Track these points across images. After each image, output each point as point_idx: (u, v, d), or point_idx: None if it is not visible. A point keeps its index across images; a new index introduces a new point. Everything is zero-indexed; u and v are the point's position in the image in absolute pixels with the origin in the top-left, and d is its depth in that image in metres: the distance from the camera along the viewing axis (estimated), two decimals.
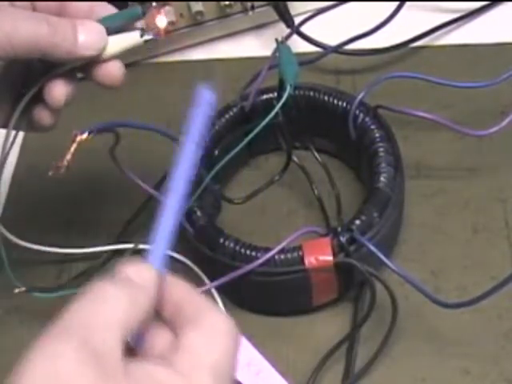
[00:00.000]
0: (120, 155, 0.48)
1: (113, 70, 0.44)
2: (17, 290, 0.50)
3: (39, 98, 0.44)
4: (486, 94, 0.56)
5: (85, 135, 0.44)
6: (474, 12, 0.66)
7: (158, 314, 0.31)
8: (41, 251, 0.54)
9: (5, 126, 0.44)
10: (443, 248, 0.54)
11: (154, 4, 0.46)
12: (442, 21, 0.65)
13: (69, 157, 0.43)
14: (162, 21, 0.46)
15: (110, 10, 0.44)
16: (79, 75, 0.45)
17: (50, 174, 0.44)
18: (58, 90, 0.43)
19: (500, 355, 0.49)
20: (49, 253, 0.55)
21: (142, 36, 0.45)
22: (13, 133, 0.44)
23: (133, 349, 0.31)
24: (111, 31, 0.44)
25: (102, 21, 0.44)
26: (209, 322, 0.31)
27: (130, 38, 0.45)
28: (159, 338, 0.31)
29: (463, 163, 0.57)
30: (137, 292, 0.30)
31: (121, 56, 0.44)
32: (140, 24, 0.45)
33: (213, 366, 0.30)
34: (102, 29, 0.43)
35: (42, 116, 0.44)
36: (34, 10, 0.43)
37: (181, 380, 0.29)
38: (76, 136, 0.44)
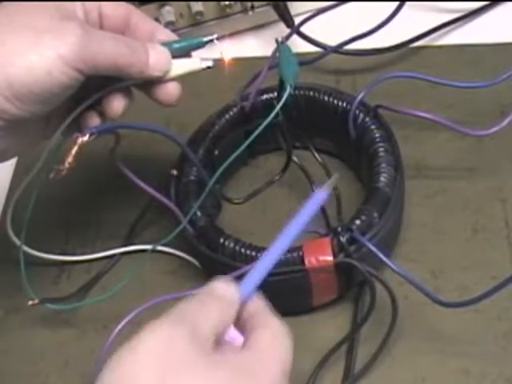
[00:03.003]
0: (120, 156, 0.48)
1: (171, 90, 0.48)
2: (30, 302, 0.50)
3: (93, 107, 0.47)
4: (486, 93, 0.56)
5: (86, 137, 0.44)
6: (474, 12, 0.66)
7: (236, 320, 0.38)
8: (40, 250, 0.54)
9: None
10: (443, 248, 0.54)
11: (216, 35, 0.49)
12: (442, 21, 0.65)
13: (70, 159, 0.43)
14: (227, 52, 0.49)
15: (169, 35, 0.49)
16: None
17: (52, 176, 0.44)
18: (118, 103, 0.47)
19: (500, 355, 0.49)
20: (48, 253, 0.55)
21: (202, 63, 0.48)
22: (59, 138, 0.46)
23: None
24: (172, 56, 0.48)
25: (167, 45, 0.47)
26: (274, 325, 0.38)
27: (191, 64, 0.48)
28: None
29: (463, 163, 0.57)
30: (226, 306, 0.37)
31: (179, 78, 0.48)
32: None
33: (282, 361, 0.36)
34: (168, 54, 0.47)
35: (93, 123, 0.47)
36: (101, 28, 0.47)
37: (251, 367, 0.35)
38: (77, 138, 0.44)
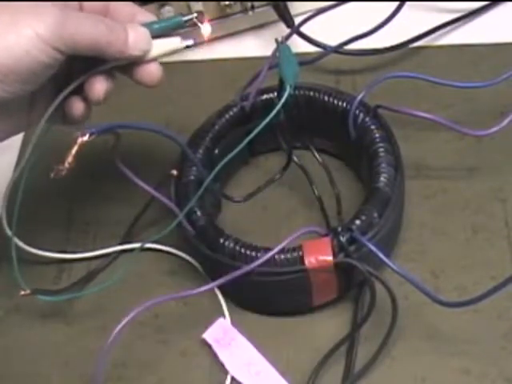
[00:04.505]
0: (120, 156, 0.48)
1: (153, 71, 0.48)
2: (22, 293, 0.50)
3: (76, 93, 0.47)
4: (486, 94, 0.56)
5: (86, 137, 0.44)
6: (474, 12, 0.66)
7: None
8: (40, 249, 0.54)
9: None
10: (443, 248, 0.54)
11: (195, 14, 0.49)
12: (442, 21, 0.65)
13: (70, 159, 0.44)
14: (206, 29, 0.50)
15: (149, 16, 0.49)
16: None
17: (52, 176, 0.44)
18: (100, 86, 0.47)
19: (500, 355, 0.49)
20: (48, 251, 0.55)
21: (182, 42, 0.48)
22: (44, 126, 0.46)
23: None
24: (153, 36, 0.48)
25: (146, 26, 0.47)
26: None
27: (172, 43, 0.49)
28: None
29: (463, 163, 0.57)
30: None
31: (160, 58, 0.48)
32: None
33: None
34: (148, 33, 0.47)
35: (78, 109, 0.48)
36: (81, 11, 0.47)
37: None
38: (77, 138, 0.44)
